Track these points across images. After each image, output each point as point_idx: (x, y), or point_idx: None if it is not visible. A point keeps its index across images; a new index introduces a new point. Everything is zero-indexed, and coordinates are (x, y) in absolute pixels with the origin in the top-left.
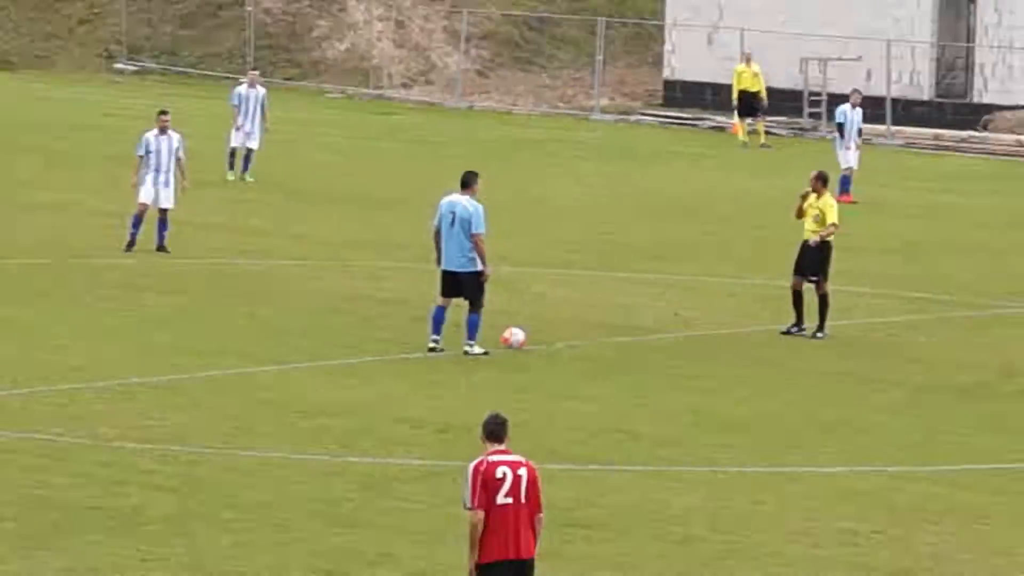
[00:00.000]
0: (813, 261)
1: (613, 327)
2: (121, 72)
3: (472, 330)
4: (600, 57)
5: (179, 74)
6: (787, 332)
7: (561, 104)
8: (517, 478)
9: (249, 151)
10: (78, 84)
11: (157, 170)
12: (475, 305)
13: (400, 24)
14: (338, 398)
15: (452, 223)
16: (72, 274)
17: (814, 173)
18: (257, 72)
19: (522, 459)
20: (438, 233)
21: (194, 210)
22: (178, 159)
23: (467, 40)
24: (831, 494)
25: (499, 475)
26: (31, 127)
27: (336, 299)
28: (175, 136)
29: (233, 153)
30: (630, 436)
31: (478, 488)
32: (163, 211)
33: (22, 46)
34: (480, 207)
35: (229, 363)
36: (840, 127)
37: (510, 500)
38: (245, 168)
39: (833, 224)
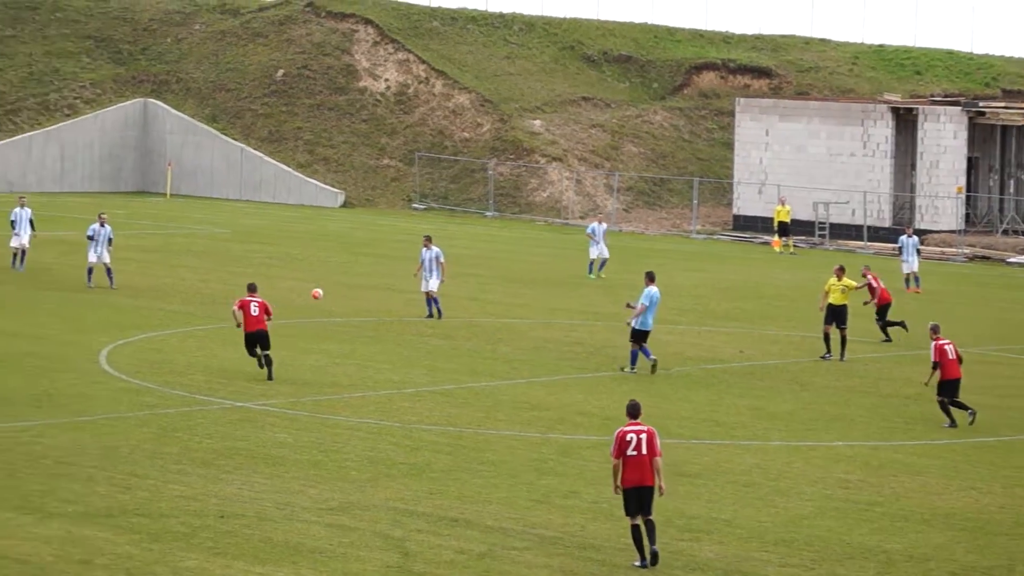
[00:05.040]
0: (840, 315)
1: (703, 359)
2: (415, 209)
3: (647, 352)
4: (695, 201)
5: (449, 211)
6: (822, 358)
7: (673, 228)
8: (639, 439)
9: (603, 261)
10: (389, 216)
11: (428, 270)
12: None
13: (579, 182)
14: (545, 399)
15: (652, 303)
16: (385, 327)
17: (837, 266)
18: None
19: (645, 427)
20: (645, 308)
21: (455, 290)
22: (440, 263)
23: (617, 190)
24: (833, 458)
25: (629, 438)
26: (363, 241)
27: (543, 341)
28: (435, 249)
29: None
30: (714, 423)
31: (615, 445)
32: (431, 292)
33: (357, 192)
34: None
35: (481, 379)
36: (900, 249)
37: (635, 452)
38: (601, 268)
39: (856, 287)
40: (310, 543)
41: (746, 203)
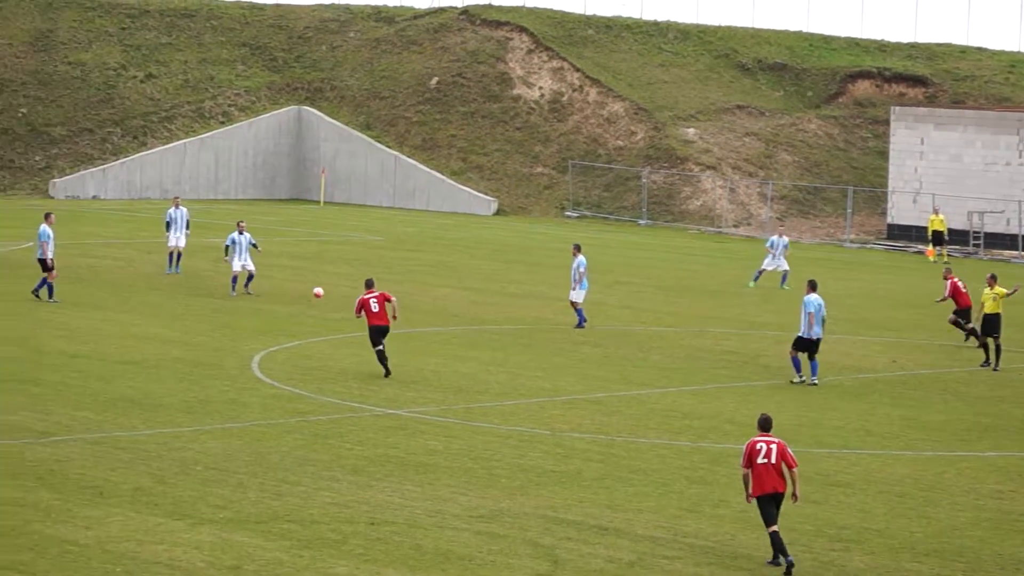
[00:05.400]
0: (994, 325)
1: (856, 369)
2: (568, 217)
3: (815, 369)
4: (849, 210)
5: (602, 219)
6: (983, 366)
7: (827, 237)
8: (769, 449)
9: (784, 274)
10: (542, 223)
11: (576, 280)
12: (813, 356)
13: (732, 190)
14: (696, 408)
15: (818, 311)
16: (538, 335)
17: (989, 275)
18: None
19: (775, 439)
20: (809, 315)
21: (607, 297)
22: (581, 273)
23: (771, 199)
24: (986, 468)
25: (759, 447)
26: (516, 248)
27: (695, 350)
28: (580, 258)
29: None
30: (865, 432)
31: (745, 455)
32: (575, 302)
33: (510, 200)
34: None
35: (631, 387)
36: None
37: (765, 461)
38: (783, 281)
39: (1007, 294)
40: (460, 550)
41: (900, 212)
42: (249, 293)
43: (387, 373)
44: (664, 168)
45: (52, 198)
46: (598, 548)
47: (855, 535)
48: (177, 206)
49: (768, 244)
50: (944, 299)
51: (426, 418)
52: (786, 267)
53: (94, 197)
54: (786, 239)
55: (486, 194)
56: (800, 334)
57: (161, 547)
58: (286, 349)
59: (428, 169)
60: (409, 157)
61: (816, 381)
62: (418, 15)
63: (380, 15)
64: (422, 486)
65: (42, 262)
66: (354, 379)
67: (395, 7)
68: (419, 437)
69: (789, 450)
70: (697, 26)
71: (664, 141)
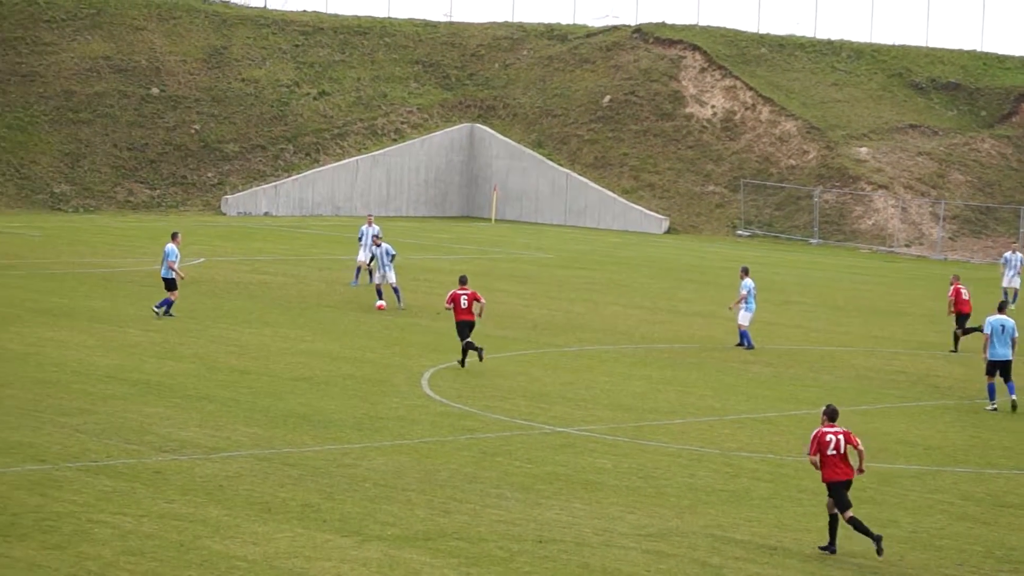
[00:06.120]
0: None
1: None
2: (739, 236)
3: (1012, 389)
4: (1022, 230)
5: (773, 238)
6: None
7: (999, 257)
8: (838, 440)
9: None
10: (713, 242)
11: (746, 301)
12: (1008, 378)
13: (904, 209)
14: (866, 428)
15: (1003, 331)
16: (707, 354)
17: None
18: None
19: (841, 429)
20: (989, 337)
21: (778, 317)
22: (747, 293)
23: (943, 219)
24: None
25: (828, 439)
26: (686, 267)
27: (865, 370)
28: (748, 281)
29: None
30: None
31: (814, 444)
32: (741, 324)
33: (682, 218)
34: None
35: (801, 407)
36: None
37: (835, 452)
38: (1013, 299)
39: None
40: (627, 569)
41: None
42: (401, 307)
43: (480, 356)
44: (836, 187)
45: (224, 215)
46: (766, 568)
47: None
48: (370, 223)
49: (1002, 261)
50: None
51: (595, 436)
52: (1016, 285)
53: (266, 214)
54: (1020, 255)
55: (657, 212)
56: (989, 357)
57: (329, 563)
58: (455, 367)
59: (599, 187)
60: (581, 175)
61: (1015, 397)
62: (591, 33)
63: (553, 33)
64: (590, 504)
65: (168, 281)
66: (522, 397)
67: (568, 25)
68: (588, 455)
69: (853, 436)
70: (870, 45)
71: (836, 160)
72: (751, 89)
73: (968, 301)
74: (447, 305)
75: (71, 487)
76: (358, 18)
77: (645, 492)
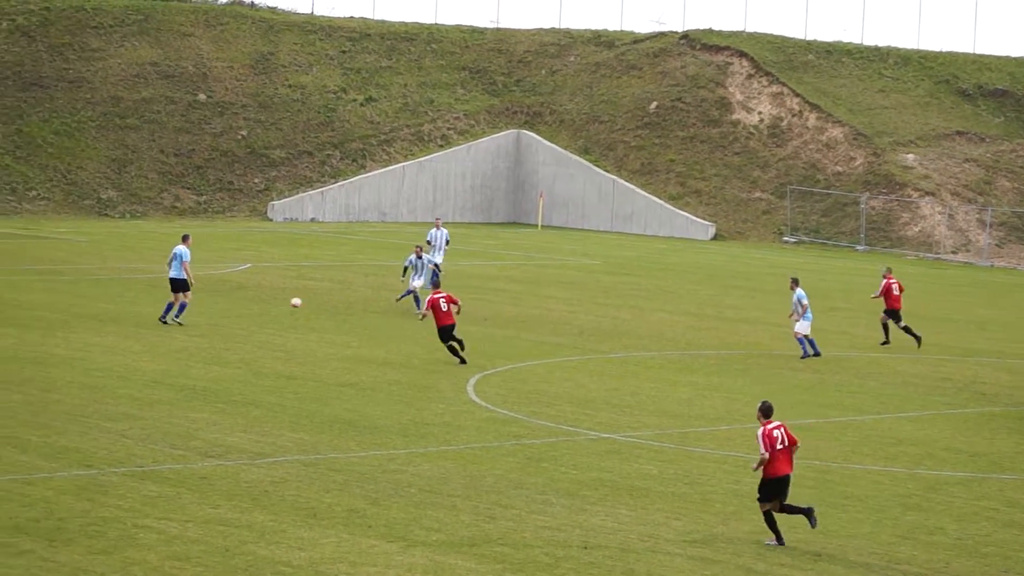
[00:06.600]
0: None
1: None
2: (786, 242)
3: None
4: None
5: (820, 244)
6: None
7: None
8: (783, 436)
9: None
10: (759, 249)
11: (799, 312)
12: None
13: (951, 216)
14: (911, 435)
15: None
16: (753, 360)
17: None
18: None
19: (781, 423)
20: None
21: (825, 324)
22: (804, 305)
23: (990, 226)
24: None
25: (775, 435)
26: (733, 273)
27: (910, 376)
28: (799, 291)
29: None
30: None
31: (766, 441)
32: (803, 334)
33: (728, 225)
34: None
35: (847, 413)
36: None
37: (782, 447)
38: None
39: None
40: (672, 575)
41: None
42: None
43: (462, 360)
44: (883, 194)
45: (270, 220)
46: (811, 575)
47: None
48: (438, 227)
49: None
50: (877, 296)
51: (641, 442)
52: None
53: (312, 219)
54: None
55: (704, 219)
56: None
57: (374, 569)
58: (501, 372)
59: (646, 193)
60: (627, 181)
61: None
62: (638, 40)
63: (600, 40)
64: (635, 510)
65: (178, 282)
66: (568, 403)
67: (615, 32)
68: (633, 461)
69: (790, 430)
70: (918, 51)
71: (883, 167)
72: (798, 96)
73: (900, 297)
74: (426, 311)
75: (117, 492)
76: (405, 24)
77: (691, 498)
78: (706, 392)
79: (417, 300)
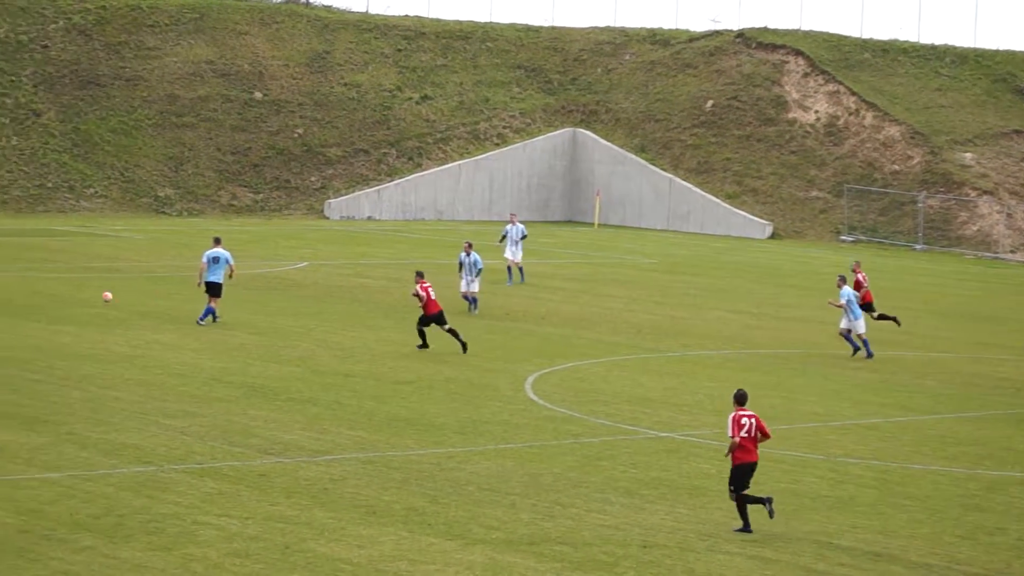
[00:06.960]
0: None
1: None
2: (843, 241)
3: None
4: None
5: (877, 243)
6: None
7: None
8: (751, 423)
9: None
10: (816, 248)
11: (853, 313)
12: None
13: (1009, 215)
14: (972, 435)
15: None
16: (812, 359)
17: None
18: None
19: (752, 413)
20: None
21: (883, 324)
22: (845, 302)
23: None
24: None
25: (744, 422)
26: (790, 272)
27: (971, 376)
28: (847, 290)
29: None
30: None
31: (735, 426)
32: (857, 333)
33: (785, 224)
34: None
35: (907, 413)
36: None
37: (747, 435)
38: None
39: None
40: (732, 575)
41: None
42: (473, 314)
43: (464, 347)
44: (940, 193)
45: (327, 218)
46: (871, 575)
47: None
48: (514, 222)
49: None
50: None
51: (700, 441)
52: None
53: (368, 218)
54: None
55: (761, 218)
56: None
57: (433, 567)
58: (559, 371)
59: (703, 192)
60: (683, 180)
61: None
62: (694, 38)
63: (655, 38)
64: (694, 509)
65: (215, 286)
66: (627, 402)
67: (671, 30)
68: (692, 460)
69: (762, 421)
70: (975, 50)
71: (941, 166)
72: (854, 94)
73: (869, 291)
74: (421, 295)
75: (176, 489)
76: (460, 23)
77: None
78: (764, 391)
79: (474, 302)
